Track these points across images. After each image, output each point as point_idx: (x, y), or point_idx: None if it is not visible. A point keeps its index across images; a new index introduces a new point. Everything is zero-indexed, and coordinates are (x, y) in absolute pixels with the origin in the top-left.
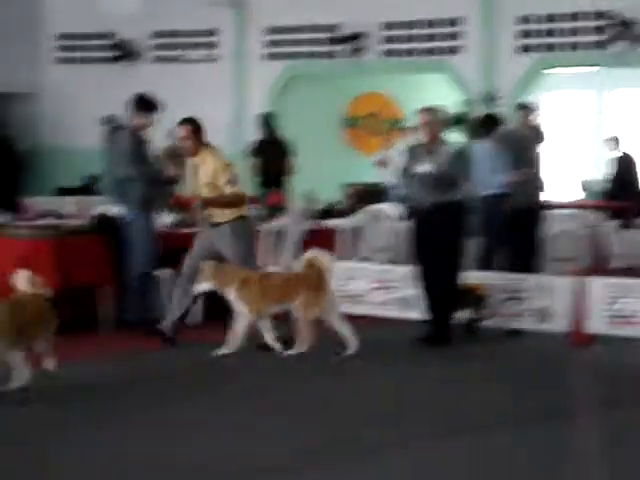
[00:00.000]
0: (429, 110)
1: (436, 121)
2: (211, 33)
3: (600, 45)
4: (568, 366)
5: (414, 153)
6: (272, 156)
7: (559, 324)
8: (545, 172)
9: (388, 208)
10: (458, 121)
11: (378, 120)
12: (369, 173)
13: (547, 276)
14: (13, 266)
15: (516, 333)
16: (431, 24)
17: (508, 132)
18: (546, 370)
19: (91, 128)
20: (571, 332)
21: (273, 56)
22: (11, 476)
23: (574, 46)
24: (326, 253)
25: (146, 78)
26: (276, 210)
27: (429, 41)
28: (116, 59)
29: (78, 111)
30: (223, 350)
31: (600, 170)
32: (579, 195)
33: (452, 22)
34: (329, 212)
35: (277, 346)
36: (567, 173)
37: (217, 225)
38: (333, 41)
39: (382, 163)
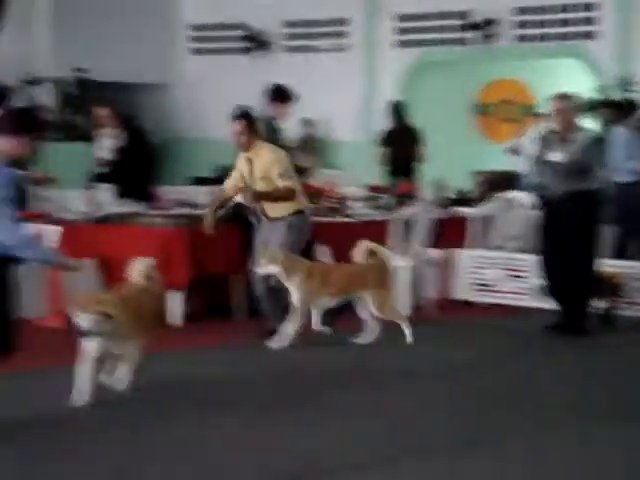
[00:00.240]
0: (563, 97)
1: (570, 108)
2: (341, 22)
3: None
4: None
5: (547, 141)
6: (401, 144)
7: None
8: None
9: (520, 196)
10: (592, 107)
11: (510, 107)
12: (500, 160)
13: None
14: (148, 254)
15: None
16: (564, 9)
17: None
18: None
19: (224, 119)
20: None
21: (403, 44)
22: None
23: None
24: (382, 246)
25: (277, 68)
26: (406, 198)
27: (562, 26)
28: (247, 50)
29: (211, 102)
30: (280, 343)
31: None
32: None
33: (587, 7)
34: (459, 200)
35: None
36: None
37: (273, 220)
38: (464, 28)
39: (514, 150)
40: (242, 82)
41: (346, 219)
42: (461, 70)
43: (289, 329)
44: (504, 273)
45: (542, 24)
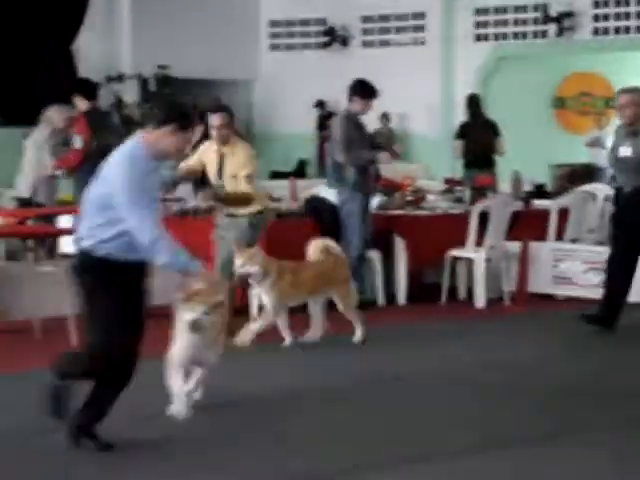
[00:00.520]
0: (629, 91)
1: (636, 102)
2: (418, 16)
3: None
4: None
5: (619, 135)
6: (478, 137)
7: None
8: None
9: (599, 189)
10: None
11: (589, 100)
12: (578, 153)
13: None
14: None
15: None
16: None
17: None
18: None
19: (303, 113)
20: None
21: (481, 37)
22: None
23: None
24: (332, 241)
25: (355, 63)
26: (483, 191)
27: None
28: (326, 45)
29: (290, 97)
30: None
31: None
32: None
33: None
34: (537, 193)
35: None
36: None
37: (236, 217)
38: (542, 20)
39: (593, 144)
40: (321, 77)
41: (424, 212)
42: (539, 63)
43: (257, 326)
44: (584, 266)
45: (620, 16)
